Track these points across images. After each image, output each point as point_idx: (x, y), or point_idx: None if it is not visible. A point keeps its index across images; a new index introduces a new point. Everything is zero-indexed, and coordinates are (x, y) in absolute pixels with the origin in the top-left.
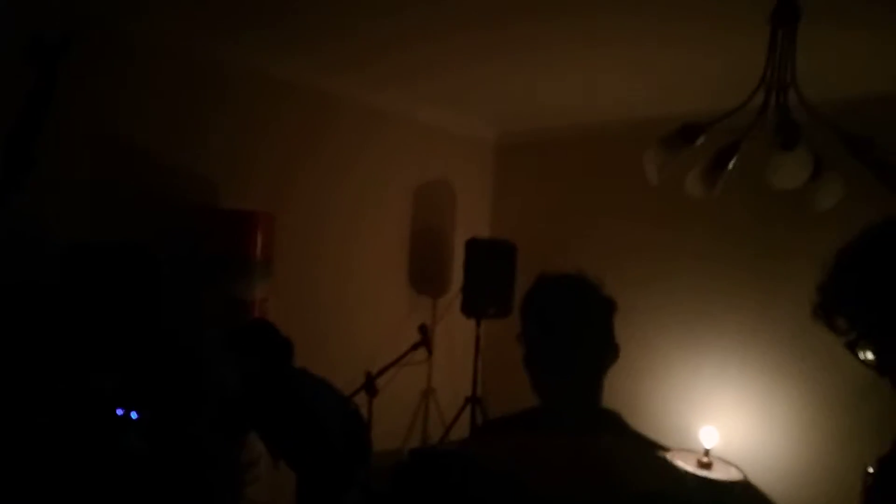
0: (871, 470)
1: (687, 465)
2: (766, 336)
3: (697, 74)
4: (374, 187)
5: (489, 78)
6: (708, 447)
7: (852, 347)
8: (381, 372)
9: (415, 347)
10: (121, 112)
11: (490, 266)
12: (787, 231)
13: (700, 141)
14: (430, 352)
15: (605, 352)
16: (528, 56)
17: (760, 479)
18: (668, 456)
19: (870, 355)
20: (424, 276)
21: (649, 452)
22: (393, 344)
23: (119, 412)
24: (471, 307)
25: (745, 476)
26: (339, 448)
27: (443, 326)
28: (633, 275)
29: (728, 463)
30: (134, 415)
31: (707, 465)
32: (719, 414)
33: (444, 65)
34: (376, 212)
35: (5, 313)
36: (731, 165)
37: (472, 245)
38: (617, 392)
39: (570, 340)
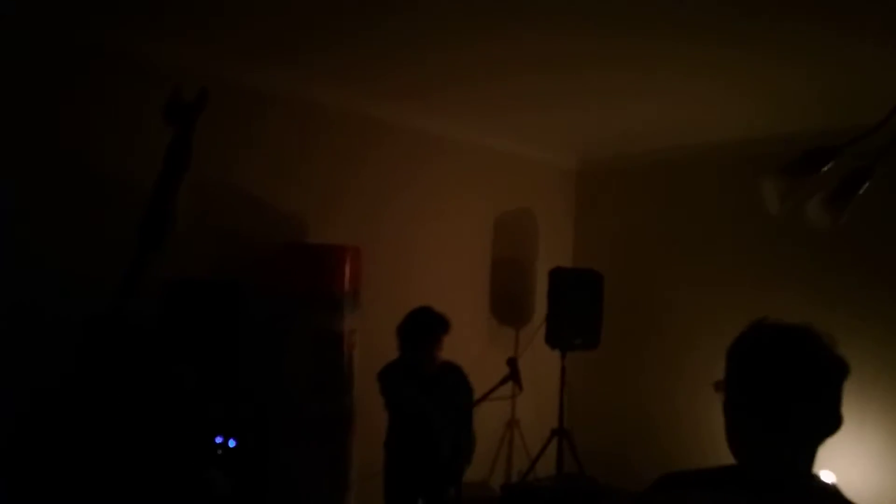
0: None
1: None
2: (887, 377)
3: (797, 91)
4: (456, 217)
5: (570, 105)
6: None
7: None
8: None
9: (504, 381)
10: (213, 154)
11: (575, 296)
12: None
13: (828, 167)
14: (520, 388)
15: (829, 419)
16: (612, 79)
17: None
18: None
19: None
20: (507, 306)
21: None
22: (476, 375)
23: (218, 440)
24: (556, 338)
25: None
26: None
27: (526, 357)
28: (730, 304)
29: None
30: (232, 443)
31: None
32: (837, 458)
33: (524, 96)
34: (458, 241)
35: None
36: (861, 192)
37: (557, 274)
38: (705, 432)
39: (796, 398)
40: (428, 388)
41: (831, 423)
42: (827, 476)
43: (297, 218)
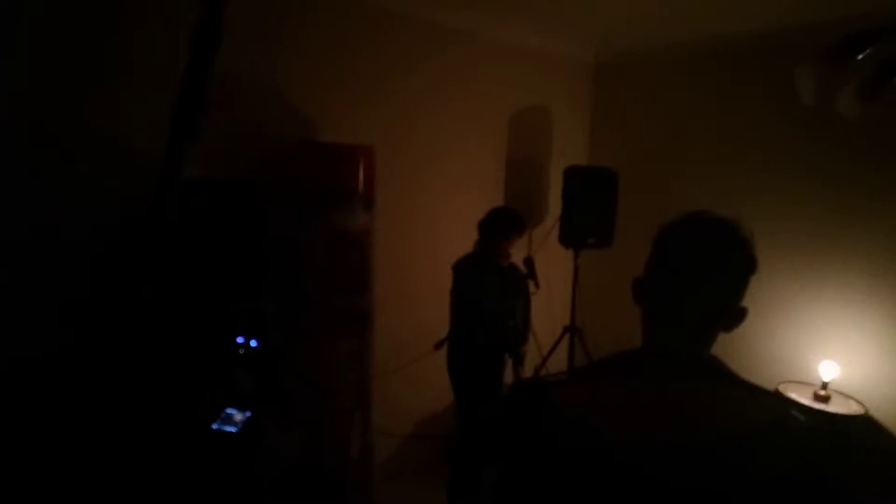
0: None
1: (802, 398)
2: (889, 269)
3: None
4: (470, 114)
5: None
6: (826, 380)
7: None
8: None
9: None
10: (225, 51)
11: (590, 195)
12: None
13: (865, 54)
14: (537, 286)
15: (731, 312)
16: None
17: (883, 414)
18: (781, 389)
19: None
20: (521, 205)
21: (749, 393)
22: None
23: (239, 340)
24: (569, 237)
25: (866, 410)
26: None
27: (539, 257)
28: (749, 202)
29: (848, 397)
30: (253, 343)
31: (824, 399)
32: (840, 348)
33: None
34: (472, 139)
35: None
36: None
37: (571, 173)
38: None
39: (699, 289)
40: (500, 279)
41: (730, 315)
42: (829, 366)
43: (310, 115)
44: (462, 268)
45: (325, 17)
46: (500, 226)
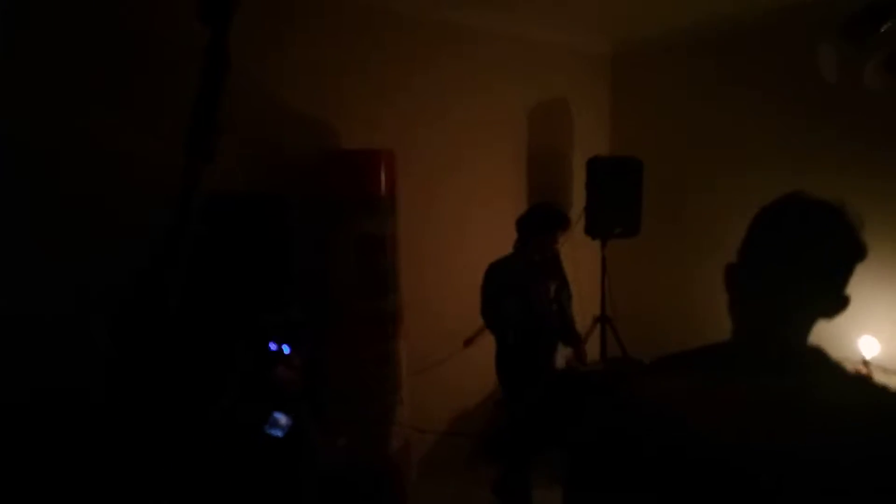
0: None
1: None
2: None
3: None
4: (489, 112)
5: None
6: (867, 357)
7: None
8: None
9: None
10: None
11: (614, 184)
12: None
13: (888, 25)
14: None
15: (832, 300)
16: None
17: None
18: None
19: None
20: (544, 198)
21: (850, 385)
22: None
23: (272, 347)
24: (595, 228)
25: None
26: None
27: (566, 249)
28: (777, 180)
29: (891, 373)
30: (286, 349)
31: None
32: (880, 324)
33: None
34: (493, 136)
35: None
36: None
37: (595, 163)
38: None
39: (799, 277)
40: (539, 278)
41: (834, 304)
42: (869, 342)
43: (328, 124)
44: (502, 268)
45: (337, 23)
46: (545, 223)
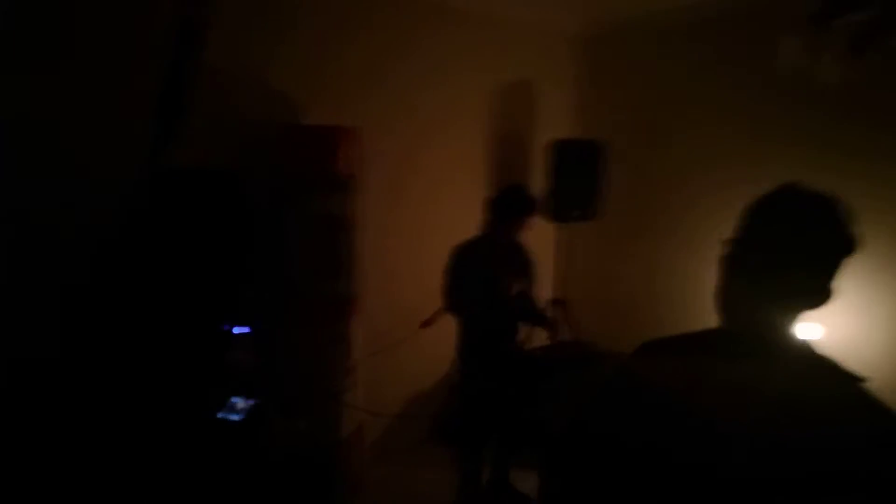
0: None
1: None
2: (872, 232)
3: None
4: (452, 91)
5: None
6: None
7: None
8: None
9: None
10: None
11: (574, 168)
12: None
13: (846, 18)
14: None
15: (819, 292)
16: None
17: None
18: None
19: None
20: (506, 180)
21: (826, 374)
22: None
23: (227, 328)
24: (553, 211)
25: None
26: None
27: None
28: (746, 169)
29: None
30: (241, 330)
31: None
32: (822, 310)
33: None
34: (458, 116)
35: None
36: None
37: (557, 146)
38: (708, 294)
39: (792, 266)
40: (507, 261)
41: (820, 296)
42: (811, 328)
43: (290, 98)
44: (469, 252)
45: (306, 0)
46: (517, 206)
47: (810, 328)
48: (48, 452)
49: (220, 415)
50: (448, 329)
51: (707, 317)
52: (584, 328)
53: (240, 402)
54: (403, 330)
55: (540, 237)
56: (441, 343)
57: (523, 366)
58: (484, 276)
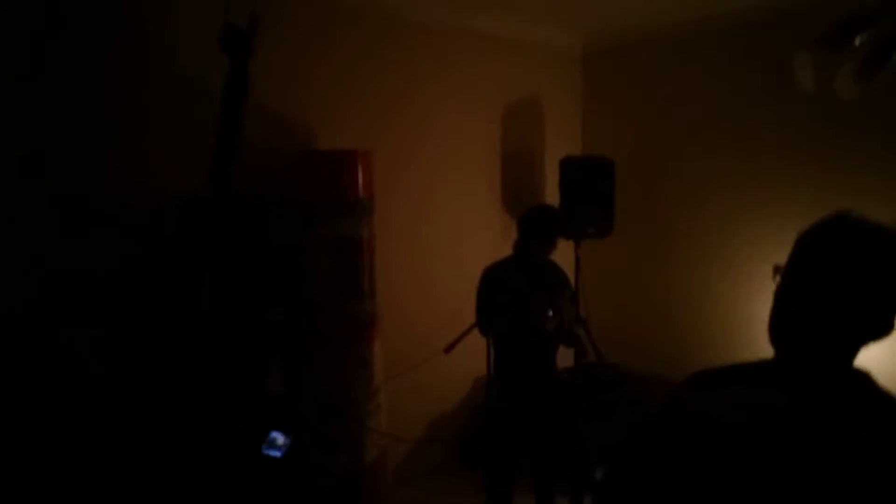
0: None
1: None
2: None
3: None
4: (463, 112)
5: None
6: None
7: None
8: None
9: None
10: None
11: (587, 184)
12: None
13: (862, 37)
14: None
15: (880, 326)
16: None
17: None
18: None
19: None
20: (518, 198)
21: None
22: None
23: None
24: (569, 228)
25: None
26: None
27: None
28: (744, 188)
29: None
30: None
31: None
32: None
33: None
34: (465, 137)
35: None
36: (894, 59)
37: (567, 163)
38: (732, 308)
39: (853, 298)
40: (538, 277)
41: (880, 331)
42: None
43: (305, 125)
44: (500, 272)
45: (313, 23)
46: (548, 225)
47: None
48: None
49: (263, 450)
50: (468, 350)
51: (722, 335)
52: (604, 346)
53: (279, 438)
54: (423, 351)
55: (557, 256)
56: (461, 365)
57: (552, 389)
58: (515, 296)
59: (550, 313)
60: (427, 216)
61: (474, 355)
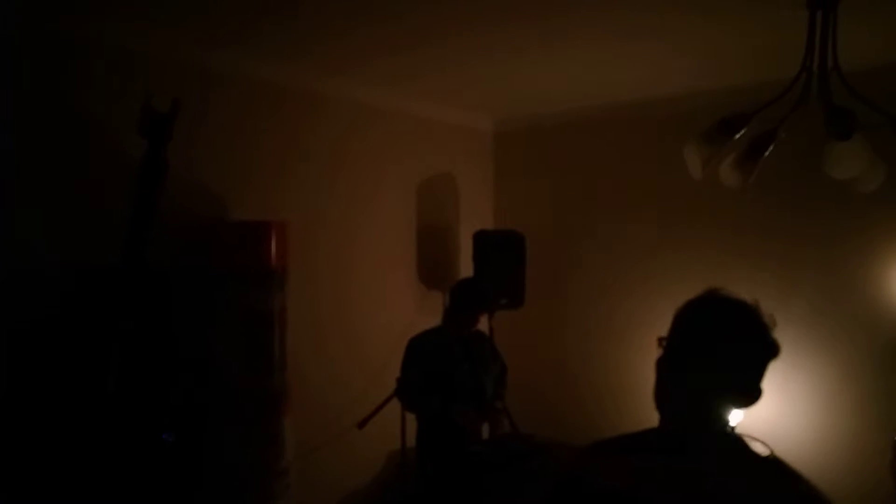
0: None
1: None
2: (784, 316)
3: (715, 48)
4: (377, 185)
5: (485, 70)
6: (732, 425)
7: None
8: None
9: None
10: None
11: (499, 257)
12: (806, 218)
13: (741, 133)
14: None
15: (749, 393)
16: (528, 40)
17: (785, 453)
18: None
19: None
20: (433, 271)
21: (758, 473)
22: (405, 341)
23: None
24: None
25: (771, 451)
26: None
27: None
28: (650, 264)
29: (753, 439)
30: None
31: None
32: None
33: (439, 62)
34: (381, 210)
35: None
36: (766, 154)
37: (480, 237)
38: (640, 378)
39: (722, 365)
40: (468, 353)
41: (750, 396)
42: (735, 412)
43: (219, 194)
44: (427, 344)
45: (229, 95)
46: (482, 298)
47: (734, 412)
48: None
49: None
50: (382, 423)
51: (635, 403)
52: (518, 416)
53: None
54: (338, 423)
55: None
56: (376, 438)
57: (468, 461)
58: (439, 369)
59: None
60: (343, 287)
61: (389, 428)
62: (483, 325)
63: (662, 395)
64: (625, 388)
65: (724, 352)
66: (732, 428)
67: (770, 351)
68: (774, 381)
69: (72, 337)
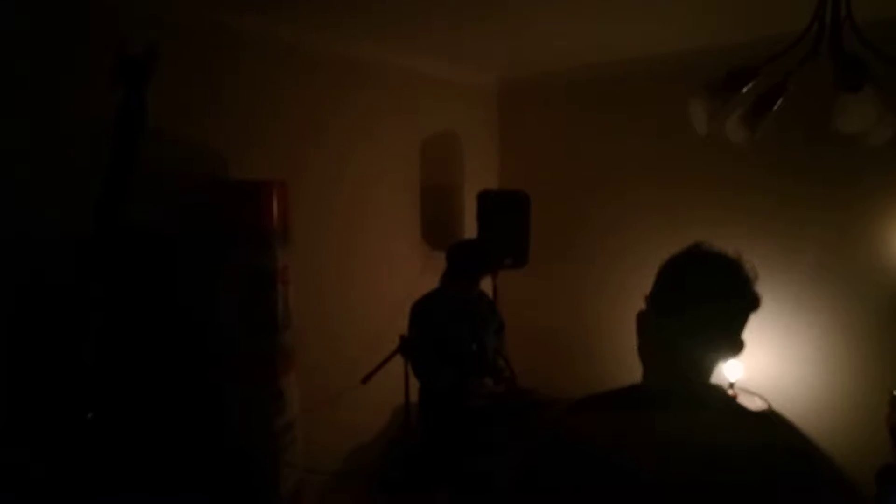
0: None
1: None
2: (787, 271)
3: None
4: (382, 145)
5: (489, 22)
6: (732, 380)
7: None
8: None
9: None
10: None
11: (504, 217)
12: (809, 180)
13: (748, 87)
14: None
15: (732, 345)
16: None
17: (784, 408)
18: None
19: None
20: (437, 231)
21: (741, 419)
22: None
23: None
24: (492, 263)
25: (769, 405)
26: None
27: None
28: (654, 221)
29: (752, 394)
30: None
31: (732, 397)
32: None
33: (445, 17)
34: (386, 169)
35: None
36: (775, 108)
37: (485, 197)
38: (630, 336)
39: (705, 317)
40: (469, 313)
41: (732, 348)
42: (733, 365)
43: (218, 154)
44: (432, 308)
45: (228, 52)
46: (483, 262)
47: (731, 367)
48: None
49: None
50: (385, 381)
51: (638, 361)
52: (522, 374)
53: None
54: (340, 383)
55: None
56: (380, 395)
57: (467, 416)
58: (440, 331)
59: (473, 346)
60: (346, 247)
61: (392, 385)
62: (487, 284)
63: (645, 351)
64: (628, 346)
65: (707, 305)
66: (723, 386)
67: (752, 303)
68: (777, 336)
69: (47, 310)
